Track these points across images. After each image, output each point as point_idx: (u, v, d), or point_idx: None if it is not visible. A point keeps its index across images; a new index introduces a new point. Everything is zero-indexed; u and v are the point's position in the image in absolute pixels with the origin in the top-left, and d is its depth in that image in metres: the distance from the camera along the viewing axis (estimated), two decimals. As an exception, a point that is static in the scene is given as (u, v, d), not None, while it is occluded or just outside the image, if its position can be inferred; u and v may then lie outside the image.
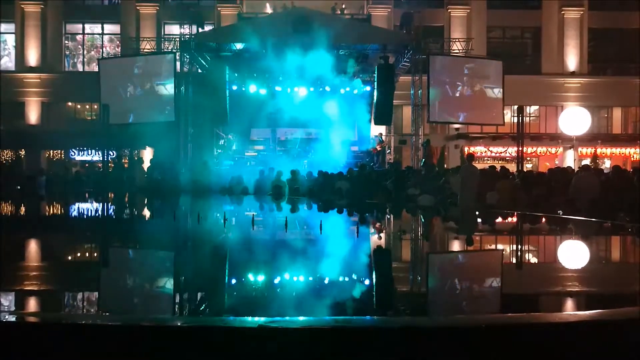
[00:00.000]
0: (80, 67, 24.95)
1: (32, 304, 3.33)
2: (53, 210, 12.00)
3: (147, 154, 21.30)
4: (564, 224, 8.01)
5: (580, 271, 4.73)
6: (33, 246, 6.14)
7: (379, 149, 19.29)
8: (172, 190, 16.32)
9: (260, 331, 2.12)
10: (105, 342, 2.17)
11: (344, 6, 23.98)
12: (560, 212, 8.56)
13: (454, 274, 4.76)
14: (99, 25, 25.01)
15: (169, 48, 19.66)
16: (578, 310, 3.32)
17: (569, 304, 3.46)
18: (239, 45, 17.21)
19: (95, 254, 5.83)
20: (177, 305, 3.42)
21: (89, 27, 25.06)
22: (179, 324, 2.29)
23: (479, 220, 9.87)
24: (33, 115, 23.67)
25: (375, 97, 18.36)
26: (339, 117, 17.80)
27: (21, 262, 4.69)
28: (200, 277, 4.30)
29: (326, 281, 4.16)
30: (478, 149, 23.92)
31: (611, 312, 2.53)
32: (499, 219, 9.41)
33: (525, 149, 21.23)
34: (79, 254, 5.72)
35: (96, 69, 20.97)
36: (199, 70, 18.89)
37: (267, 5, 23.72)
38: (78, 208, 12.37)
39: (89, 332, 2.24)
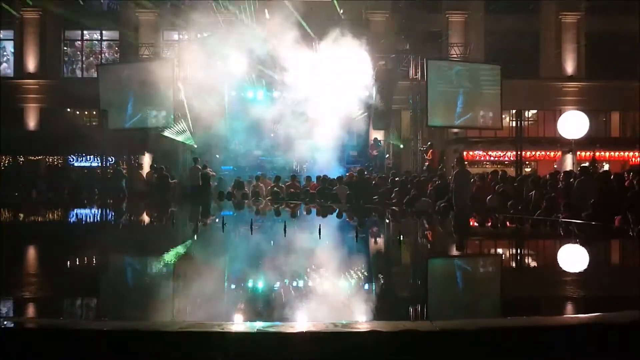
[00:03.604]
0: (79, 73, 24.91)
1: (24, 310, 3.31)
2: (52, 217, 11.97)
3: (147, 160, 21.27)
4: (565, 227, 8.00)
5: (583, 274, 4.72)
6: (30, 252, 6.12)
7: (375, 153, 19.31)
8: (172, 195, 16.31)
9: (259, 336, 2.11)
10: (103, 345, 2.16)
11: (342, 11, 23.98)
12: (560, 215, 8.57)
13: (451, 278, 4.75)
14: (98, 32, 24.98)
15: (168, 54, 19.67)
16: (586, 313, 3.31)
17: (575, 307, 3.45)
18: (237, 51, 17.22)
19: (93, 261, 5.81)
20: (174, 310, 3.40)
21: (87, 34, 25.03)
22: (176, 329, 2.27)
23: (477, 223, 9.86)
24: (32, 121, 23.62)
25: (374, 102, 18.37)
26: (338, 122, 17.80)
27: (17, 269, 4.67)
28: (200, 282, 4.28)
29: (323, 286, 4.15)
30: (477, 153, 23.91)
31: (612, 315, 2.52)
32: (498, 223, 9.41)
33: (524, 152, 21.23)
34: (78, 261, 5.70)
35: (95, 75, 20.97)
36: (198, 76, 18.86)
37: (266, 11, 23.72)
38: (77, 214, 12.35)
39: (88, 337, 2.22)
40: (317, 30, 16.63)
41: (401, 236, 8.16)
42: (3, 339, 2.20)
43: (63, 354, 2.16)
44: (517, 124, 16.97)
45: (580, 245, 6.84)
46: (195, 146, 18.19)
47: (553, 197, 9.38)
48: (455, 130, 22.48)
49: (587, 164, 15.48)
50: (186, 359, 2.11)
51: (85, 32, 24.95)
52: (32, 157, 22.56)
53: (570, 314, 3.19)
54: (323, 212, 11.37)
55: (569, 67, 24.50)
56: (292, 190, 14.51)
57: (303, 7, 17.36)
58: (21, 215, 12.04)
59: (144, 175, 18.79)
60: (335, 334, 2.16)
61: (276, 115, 17.91)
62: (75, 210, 13.03)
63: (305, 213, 11.56)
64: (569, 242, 7.31)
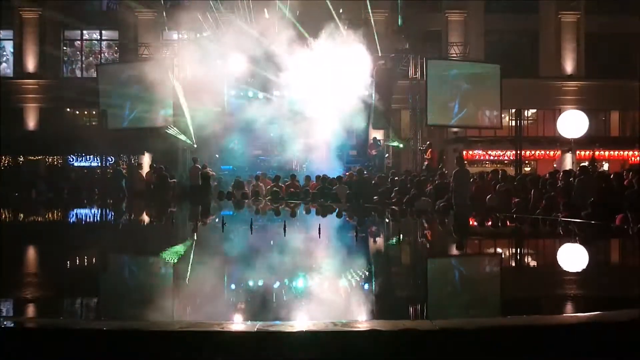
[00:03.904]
0: (78, 73, 24.91)
1: (24, 309, 3.31)
2: (52, 217, 11.97)
3: (146, 160, 21.27)
4: (565, 226, 8.01)
5: (582, 274, 4.72)
6: (30, 252, 6.12)
7: (375, 153, 19.30)
8: (171, 195, 16.30)
9: (259, 335, 2.12)
10: (103, 345, 2.16)
11: (341, 11, 23.95)
12: (560, 214, 8.57)
13: (451, 277, 4.75)
14: (97, 32, 24.99)
15: (167, 53, 19.67)
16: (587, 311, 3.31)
17: (574, 306, 3.45)
18: (236, 50, 17.24)
19: (93, 261, 5.81)
20: (174, 310, 3.40)
21: (87, 33, 25.04)
22: (177, 329, 2.28)
23: (476, 223, 9.86)
24: (31, 121, 23.62)
25: (373, 101, 18.36)
26: (337, 122, 17.81)
27: (16, 269, 4.67)
28: (200, 282, 4.28)
29: (323, 285, 4.15)
30: (476, 153, 23.91)
31: (611, 313, 2.52)
32: (498, 222, 9.41)
33: (523, 152, 21.23)
34: (78, 261, 5.70)
35: (94, 75, 20.96)
36: (197, 76, 18.88)
37: (265, 10, 23.69)
38: (76, 214, 12.35)
39: (88, 337, 2.22)
40: (316, 29, 16.62)
41: (401, 236, 8.17)
42: (3, 339, 2.20)
43: (63, 354, 2.16)
44: (516, 123, 17.01)
45: (580, 244, 6.85)
46: (195, 146, 18.19)
47: (553, 197, 9.38)
48: (455, 129, 22.47)
49: (586, 163, 15.48)
50: (186, 359, 2.11)
51: (84, 32, 24.94)
52: (32, 157, 22.55)
53: (569, 313, 3.20)
54: (323, 212, 11.37)
55: (569, 66, 24.50)
56: (291, 189, 14.51)
57: (302, 6, 17.38)
58: (21, 215, 12.04)
59: (144, 175, 18.79)
60: (335, 333, 2.16)
61: (275, 115, 17.91)
62: (75, 210, 13.03)
63: (304, 213, 11.56)
64: (568, 242, 7.32)
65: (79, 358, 2.16)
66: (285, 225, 7.46)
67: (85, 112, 24.70)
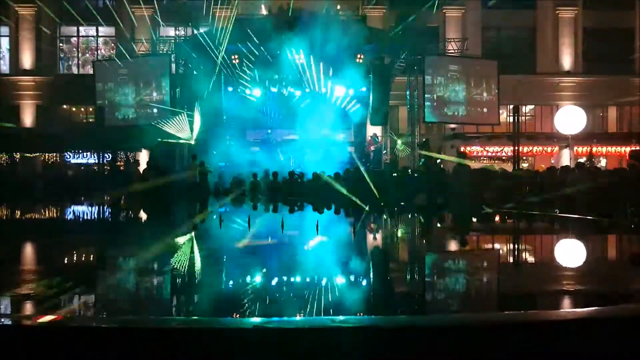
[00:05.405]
0: (75, 70, 24.83)
1: (21, 309, 3.30)
2: (48, 214, 11.95)
3: (143, 156, 21.22)
4: (561, 221, 8.02)
5: (578, 269, 4.73)
6: (26, 250, 6.10)
7: (373, 149, 19.29)
8: (170, 192, 16.26)
9: (256, 332, 2.11)
10: (105, 343, 2.15)
11: (338, 7, 23.88)
12: (557, 210, 8.58)
13: (448, 273, 4.75)
14: (94, 28, 24.88)
15: (164, 50, 19.60)
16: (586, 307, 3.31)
17: (571, 302, 3.46)
18: (233, 47, 17.19)
19: (91, 259, 5.81)
20: (172, 307, 3.39)
21: (83, 30, 24.93)
22: (174, 326, 2.27)
23: (474, 218, 9.87)
24: (28, 118, 23.55)
25: (371, 98, 18.34)
26: (335, 118, 17.80)
27: (20, 267, 4.67)
28: (198, 279, 4.28)
29: (321, 281, 4.14)
30: (474, 149, 23.92)
31: (611, 309, 2.52)
32: (495, 218, 9.42)
33: (521, 148, 21.26)
34: (76, 259, 5.69)
35: (91, 72, 20.89)
36: (194, 72, 18.84)
37: (262, 6, 23.63)
38: (73, 211, 12.33)
39: (90, 335, 2.21)
40: (314, 25, 16.56)
41: (398, 231, 8.17)
42: (3, 339, 2.19)
43: (61, 352, 2.15)
44: (514, 119, 17.05)
45: (576, 239, 6.86)
46: (193, 142, 18.15)
47: (550, 192, 9.40)
48: (453, 125, 22.49)
49: (584, 159, 15.50)
50: (184, 357, 2.10)
51: (80, 28, 24.84)
52: (29, 155, 22.48)
53: (566, 309, 3.20)
54: (320, 209, 11.37)
55: (566, 62, 24.50)
56: (289, 186, 14.51)
57: (299, 2, 17.32)
58: (18, 212, 12.01)
59: (140, 172, 18.74)
60: (333, 330, 2.15)
61: (273, 111, 17.88)
62: (72, 207, 13.00)
63: (302, 209, 11.56)
64: (565, 237, 7.33)
65: (77, 356, 2.15)
66: (282, 222, 7.46)
67: (82, 109, 24.64)
